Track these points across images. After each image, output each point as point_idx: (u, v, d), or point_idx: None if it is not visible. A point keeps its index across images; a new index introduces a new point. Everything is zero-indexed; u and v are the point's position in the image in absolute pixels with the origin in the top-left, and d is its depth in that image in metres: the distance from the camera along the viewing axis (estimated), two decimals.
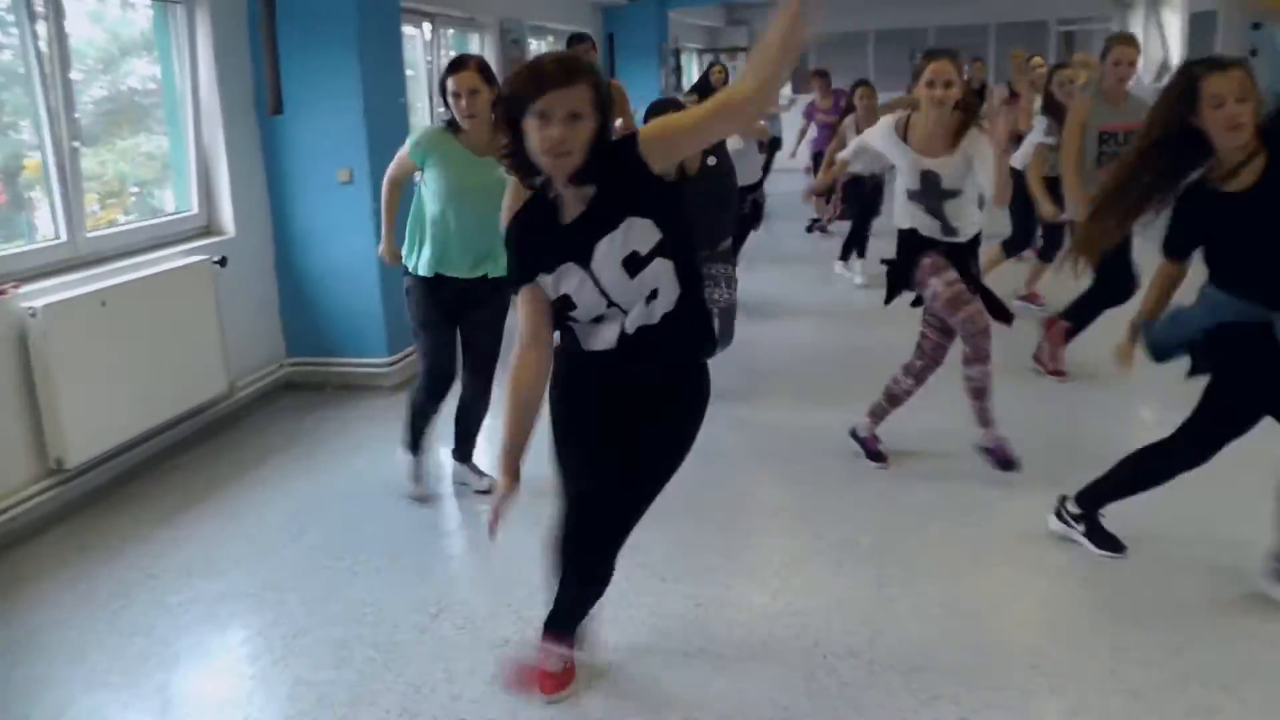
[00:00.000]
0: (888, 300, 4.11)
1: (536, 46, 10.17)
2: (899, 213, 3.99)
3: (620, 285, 2.26)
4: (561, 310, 2.35)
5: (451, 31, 8.59)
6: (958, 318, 3.81)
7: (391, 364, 5.52)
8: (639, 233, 2.23)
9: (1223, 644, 2.86)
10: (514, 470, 2.44)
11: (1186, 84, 2.84)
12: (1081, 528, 3.38)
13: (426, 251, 3.79)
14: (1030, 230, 6.52)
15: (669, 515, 3.78)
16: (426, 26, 7.92)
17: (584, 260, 2.25)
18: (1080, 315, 5.17)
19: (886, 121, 3.99)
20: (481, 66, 3.67)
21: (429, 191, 3.76)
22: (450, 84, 3.62)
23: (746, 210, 6.77)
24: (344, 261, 5.41)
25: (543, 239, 2.30)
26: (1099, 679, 2.71)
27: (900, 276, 4.01)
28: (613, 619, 3.08)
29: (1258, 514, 3.14)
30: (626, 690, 2.75)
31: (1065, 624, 3.04)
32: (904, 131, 3.91)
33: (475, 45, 8.88)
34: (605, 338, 2.35)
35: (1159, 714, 2.57)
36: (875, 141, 4.03)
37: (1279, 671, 2.72)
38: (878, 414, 4.21)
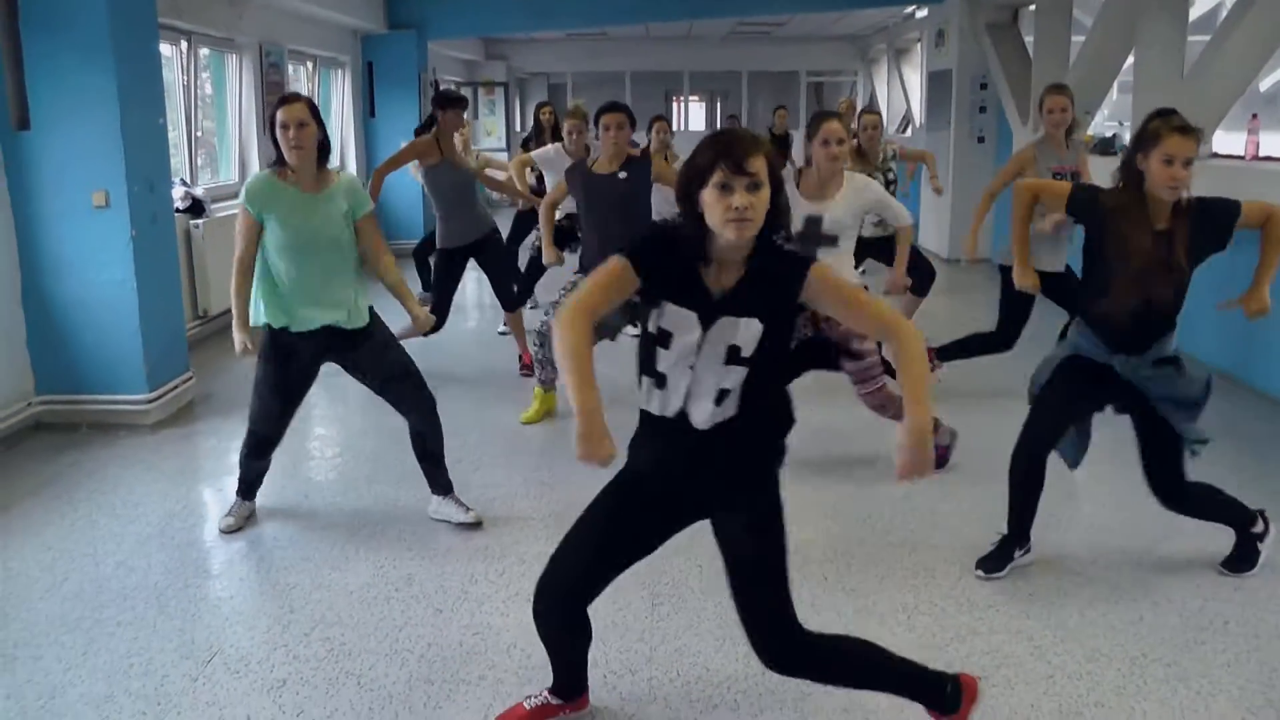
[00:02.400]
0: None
1: (294, 71, 9.94)
2: None
3: (713, 364, 2.28)
4: (650, 345, 2.33)
5: (207, 51, 8.28)
6: None
7: (152, 401, 5.27)
8: (752, 334, 2.26)
9: (979, 637, 3.16)
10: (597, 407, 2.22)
11: (1148, 132, 3.19)
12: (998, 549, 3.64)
13: (273, 303, 3.73)
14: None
15: (440, 548, 3.83)
16: (183, 45, 7.61)
17: (706, 323, 2.27)
18: (955, 354, 5.63)
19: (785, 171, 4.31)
20: (311, 103, 3.69)
21: (270, 245, 3.69)
22: (280, 115, 3.61)
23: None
24: (99, 292, 5.13)
25: (682, 273, 2.28)
26: None
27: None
28: (389, 651, 3.09)
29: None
30: None
31: (835, 629, 3.22)
32: (796, 180, 4.26)
33: (233, 67, 8.59)
34: (663, 403, 2.34)
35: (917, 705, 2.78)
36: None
37: (1029, 661, 3.04)
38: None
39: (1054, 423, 3.48)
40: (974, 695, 2.60)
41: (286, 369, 3.81)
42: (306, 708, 2.83)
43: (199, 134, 8.20)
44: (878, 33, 16.38)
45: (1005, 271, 5.13)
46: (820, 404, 5.21)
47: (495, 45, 17.81)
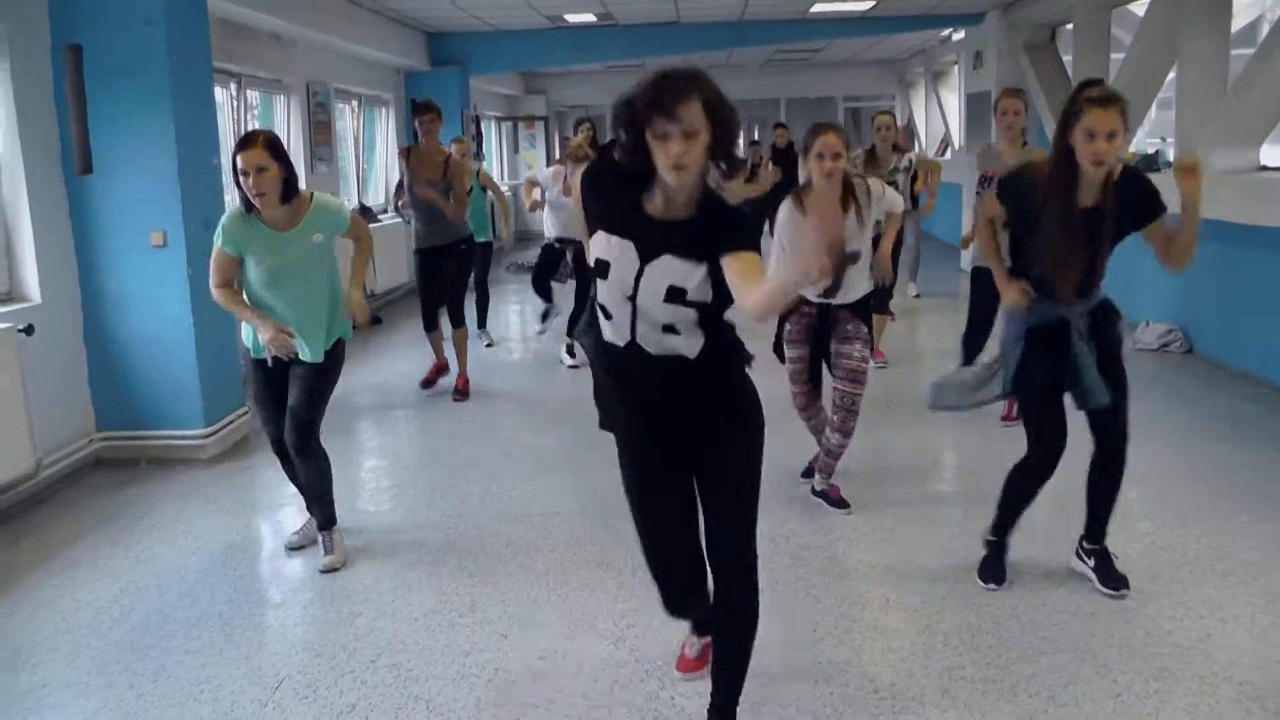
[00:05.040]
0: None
1: (341, 109, 10.13)
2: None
3: (652, 299, 2.29)
4: (593, 273, 2.38)
5: (256, 93, 8.47)
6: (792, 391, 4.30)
7: (209, 435, 5.37)
8: (698, 280, 2.26)
9: (1044, 656, 3.13)
10: None
11: (1073, 106, 3.09)
12: (1092, 562, 3.59)
13: (251, 332, 3.86)
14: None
15: (501, 574, 3.85)
16: (233, 87, 7.79)
17: (647, 257, 2.28)
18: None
19: (785, 204, 4.12)
20: (270, 142, 3.63)
21: (249, 280, 3.77)
22: (239, 162, 3.58)
23: (568, 263, 6.97)
24: (158, 329, 5.25)
25: (622, 205, 2.31)
26: (935, 698, 2.93)
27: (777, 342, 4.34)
28: (456, 676, 3.11)
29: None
30: None
31: (901, 650, 3.23)
32: (798, 202, 4.07)
33: (281, 107, 8.78)
34: (614, 333, 2.39)
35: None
36: (780, 225, 4.12)
37: (1095, 680, 3.01)
38: (826, 469, 4.32)
39: (1056, 421, 3.39)
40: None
41: (259, 383, 3.95)
42: None
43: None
44: (914, 56, 16.41)
45: (974, 272, 5.42)
46: (884, 422, 5.21)
47: (534, 80, 18.04)
